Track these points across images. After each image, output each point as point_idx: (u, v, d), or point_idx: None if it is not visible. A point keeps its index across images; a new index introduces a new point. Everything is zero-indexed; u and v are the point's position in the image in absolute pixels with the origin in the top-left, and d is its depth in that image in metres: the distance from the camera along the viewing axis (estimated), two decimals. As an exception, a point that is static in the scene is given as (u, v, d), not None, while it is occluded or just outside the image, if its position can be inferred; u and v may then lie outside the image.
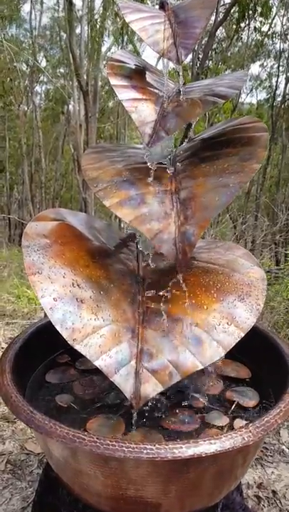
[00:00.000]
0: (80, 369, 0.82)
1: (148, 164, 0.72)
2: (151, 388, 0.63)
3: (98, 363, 0.63)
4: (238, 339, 0.66)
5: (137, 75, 0.76)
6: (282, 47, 7.67)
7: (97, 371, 0.64)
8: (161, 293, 0.69)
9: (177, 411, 0.70)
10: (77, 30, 6.23)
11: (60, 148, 9.73)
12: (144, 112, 0.72)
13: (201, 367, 0.64)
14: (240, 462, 0.61)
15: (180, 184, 0.71)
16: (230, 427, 0.65)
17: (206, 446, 0.50)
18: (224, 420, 0.67)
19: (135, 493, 0.56)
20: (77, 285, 0.68)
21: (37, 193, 9.36)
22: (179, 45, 0.71)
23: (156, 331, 0.68)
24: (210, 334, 0.67)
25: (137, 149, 0.84)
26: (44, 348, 0.83)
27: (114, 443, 0.50)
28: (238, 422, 0.66)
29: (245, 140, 0.73)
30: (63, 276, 0.68)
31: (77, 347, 0.63)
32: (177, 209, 0.68)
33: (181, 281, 0.65)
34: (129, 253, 0.82)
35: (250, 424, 0.55)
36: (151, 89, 0.75)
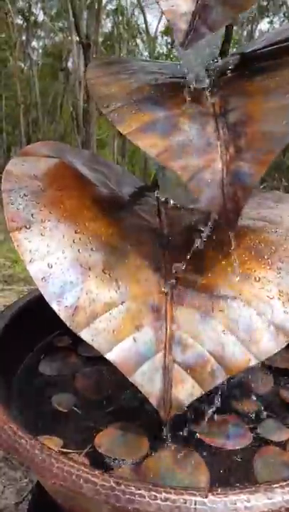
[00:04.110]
0: (84, 356, 0.63)
1: (185, 76, 0.50)
2: (187, 392, 0.44)
3: (111, 356, 0.44)
4: (305, 322, 0.48)
5: None
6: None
7: (107, 359, 0.46)
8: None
9: (218, 417, 0.52)
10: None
11: (58, 108, 9.29)
12: (176, -2, 0.50)
13: (255, 362, 0.45)
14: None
15: (227, 103, 0.50)
16: (294, 444, 0.47)
17: (285, 496, 0.32)
18: (285, 433, 0.48)
19: None
20: (82, 245, 0.48)
21: (35, 155, 8.96)
22: None
23: (190, 310, 0.49)
24: (265, 315, 0.48)
25: (154, 63, 0.62)
26: (37, 327, 0.64)
27: (142, 491, 0.32)
28: (306, 438, 0.48)
29: None
30: (62, 233, 0.48)
31: (81, 333, 0.44)
32: (225, 138, 0.47)
33: (232, 242, 0.45)
34: (148, 205, 0.62)
35: None
36: None
